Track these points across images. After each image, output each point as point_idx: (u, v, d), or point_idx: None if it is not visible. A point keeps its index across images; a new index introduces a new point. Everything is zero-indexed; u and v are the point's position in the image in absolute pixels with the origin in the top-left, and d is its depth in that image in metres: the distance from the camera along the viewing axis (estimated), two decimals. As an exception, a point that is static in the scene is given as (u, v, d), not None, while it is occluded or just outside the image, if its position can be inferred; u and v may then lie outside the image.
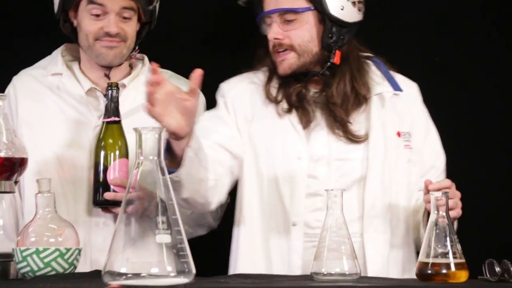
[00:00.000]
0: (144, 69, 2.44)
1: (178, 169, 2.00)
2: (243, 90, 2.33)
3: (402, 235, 2.25)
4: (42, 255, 1.94)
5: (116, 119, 2.26)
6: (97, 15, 2.30)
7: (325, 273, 1.85)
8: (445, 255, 1.80)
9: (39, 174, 2.23)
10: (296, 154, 2.25)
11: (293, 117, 2.27)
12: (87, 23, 2.32)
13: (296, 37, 2.22)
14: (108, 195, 2.22)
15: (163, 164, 1.69)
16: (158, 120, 1.91)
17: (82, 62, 2.43)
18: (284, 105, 2.28)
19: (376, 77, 2.31)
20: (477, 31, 2.83)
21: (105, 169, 2.25)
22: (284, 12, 2.21)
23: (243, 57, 2.63)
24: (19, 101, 2.39)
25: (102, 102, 2.36)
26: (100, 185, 2.25)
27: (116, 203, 2.21)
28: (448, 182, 2.06)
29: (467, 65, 2.82)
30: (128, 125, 2.23)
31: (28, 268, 1.95)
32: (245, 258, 2.29)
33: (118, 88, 2.27)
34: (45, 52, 2.52)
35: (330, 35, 2.23)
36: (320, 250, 1.87)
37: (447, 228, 1.81)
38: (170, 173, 1.99)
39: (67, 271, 1.97)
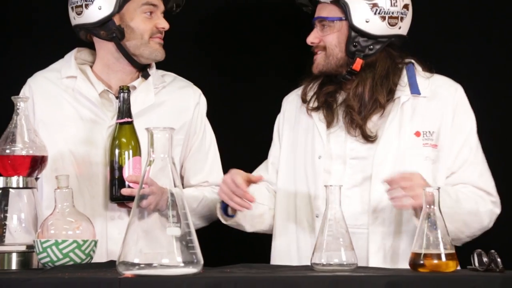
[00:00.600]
0: (152, 72, 2.54)
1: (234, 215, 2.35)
2: (291, 101, 2.57)
3: (408, 229, 2.32)
4: (61, 247, 2.02)
5: (129, 120, 2.35)
6: (151, 13, 2.45)
7: (324, 263, 1.95)
8: (436, 246, 1.88)
9: (56, 171, 2.32)
10: (317, 153, 2.42)
11: (317, 116, 2.46)
12: (141, 22, 2.44)
13: (327, 41, 2.42)
14: (125, 191, 2.32)
15: (174, 160, 1.79)
16: None
17: (97, 65, 2.53)
18: (312, 104, 2.46)
19: (402, 82, 2.42)
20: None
21: (120, 167, 2.33)
22: (322, 19, 2.42)
23: (244, 58, 2.72)
24: (35, 102, 2.47)
25: (115, 103, 2.46)
26: (116, 182, 2.34)
27: (132, 198, 2.29)
28: (407, 174, 2.18)
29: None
30: (139, 124, 2.33)
31: (48, 259, 2.03)
32: (281, 250, 2.45)
33: (129, 91, 2.36)
34: (53, 54, 2.60)
35: (354, 44, 2.39)
36: (320, 242, 1.97)
37: (438, 221, 1.90)
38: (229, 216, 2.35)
39: (84, 261, 2.05)
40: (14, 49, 3.03)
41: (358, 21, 2.38)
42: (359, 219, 2.32)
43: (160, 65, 2.61)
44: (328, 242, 1.96)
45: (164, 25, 2.47)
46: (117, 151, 2.36)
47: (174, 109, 2.53)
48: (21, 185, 2.13)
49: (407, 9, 2.43)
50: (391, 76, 2.42)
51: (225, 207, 2.36)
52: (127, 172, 2.34)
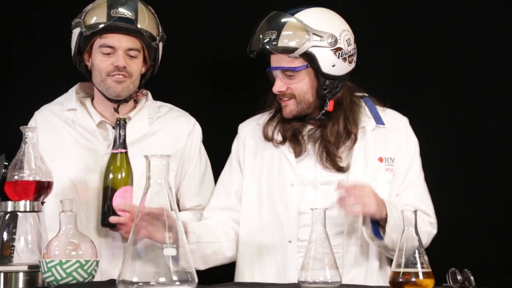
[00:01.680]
0: (148, 103, 2.67)
1: None
2: (250, 130, 2.65)
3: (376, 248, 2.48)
4: (64, 266, 2.09)
5: (122, 150, 2.46)
6: (108, 54, 2.54)
7: (310, 281, 2.05)
8: (414, 265, 1.98)
9: (57, 196, 2.42)
10: (289, 182, 2.52)
11: (286, 148, 2.55)
12: (99, 61, 2.55)
13: (295, 89, 2.50)
14: (112, 219, 2.41)
15: (170, 185, 1.86)
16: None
17: (95, 98, 2.66)
18: (279, 138, 2.55)
19: (364, 114, 2.56)
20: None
21: (111, 195, 2.43)
22: (286, 69, 2.48)
23: (239, 91, 2.82)
24: (39, 133, 2.59)
25: (111, 133, 2.59)
26: (107, 209, 2.44)
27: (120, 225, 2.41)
28: (358, 184, 2.33)
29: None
30: (133, 152, 2.46)
31: (52, 278, 2.10)
32: (246, 272, 2.53)
33: (125, 123, 2.47)
34: (63, 89, 2.74)
35: (324, 88, 2.49)
36: (306, 261, 2.07)
37: (416, 241, 2.00)
38: None
39: (86, 280, 2.12)
40: (23, 84, 3.18)
41: (326, 68, 2.47)
42: (334, 240, 2.38)
43: (160, 96, 2.74)
44: (313, 262, 2.06)
45: (118, 62, 2.53)
46: (109, 179, 2.45)
47: (168, 137, 2.65)
48: (28, 209, 2.21)
49: (355, 43, 2.56)
50: (356, 108, 2.55)
51: None
52: (117, 201, 2.43)
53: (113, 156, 2.48)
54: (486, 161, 3.06)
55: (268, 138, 2.57)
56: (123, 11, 2.53)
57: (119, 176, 2.46)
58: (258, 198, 2.55)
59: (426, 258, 2.01)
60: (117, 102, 2.62)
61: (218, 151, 2.76)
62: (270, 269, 2.49)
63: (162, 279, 1.77)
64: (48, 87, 2.98)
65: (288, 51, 2.45)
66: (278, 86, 2.51)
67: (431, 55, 3.11)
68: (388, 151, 2.54)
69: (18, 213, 2.21)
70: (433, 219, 2.55)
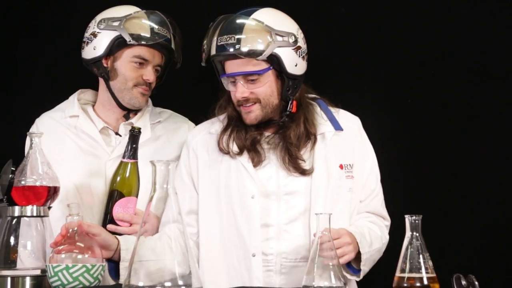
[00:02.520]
0: (148, 109, 2.72)
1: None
2: (201, 139, 2.52)
3: None
4: (71, 271, 2.10)
5: (132, 160, 2.48)
6: (138, 64, 2.59)
7: (315, 286, 2.05)
8: (418, 270, 1.99)
9: (61, 202, 2.44)
10: (249, 193, 2.42)
11: (244, 158, 2.44)
12: (129, 70, 2.59)
13: (260, 93, 2.39)
14: (110, 227, 2.44)
15: (176, 190, 1.87)
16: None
17: (98, 104, 2.69)
18: (235, 148, 2.44)
19: (320, 117, 2.49)
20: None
21: (113, 204, 2.46)
22: (249, 74, 2.37)
23: None
24: (41, 140, 2.56)
25: (113, 139, 2.63)
26: (107, 217, 2.47)
27: (118, 235, 2.41)
28: (335, 234, 2.24)
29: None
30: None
31: (59, 282, 2.11)
32: (211, 281, 2.42)
33: (140, 133, 2.48)
34: (60, 96, 2.77)
35: (288, 89, 2.40)
36: (311, 266, 2.07)
37: (420, 247, 2.01)
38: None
39: (93, 285, 2.13)
40: (27, 89, 3.22)
41: (290, 68, 2.38)
42: (300, 252, 2.38)
43: (159, 102, 2.78)
44: (318, 267, 2.07)
45: (149, 77, 2.60)
46: (114, 187, 2.48)
47: (169, 142, 2.69)
48: (35, 214, 2.23)
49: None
50: (312, 109, 2.49)
51: (113, 268, 2.30)
52: (117, 210, 2.46)
53: (122, 164, 2.50)
54: (493, 166, 3.07)
55: (224, 151, 2.46)
56: (163, 29, 2.62)
57: (125, 185, 2.49)
58: (217, 212, 2.45)
59: (430, 263, 2.01)
60: (128, 110, 2.67)
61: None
62: (236, 283, 2.39)
63: (167, 284, 1.80)
64: (48, 92, 3.04)
65: (255, 54, 2.34)
66: (241, 92, 2.39)
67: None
68: (347, 158, 2.48)
69: (22, 218, 2.23)
70: (388, 222, 2.53)
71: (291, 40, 2.39)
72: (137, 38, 2.58)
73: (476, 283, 2.00)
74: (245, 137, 2.44)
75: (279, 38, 2.37)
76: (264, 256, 2.40)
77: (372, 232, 2.44)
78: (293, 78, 2.41)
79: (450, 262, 2.39)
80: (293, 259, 2.38)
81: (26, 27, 3.24)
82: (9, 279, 2.16)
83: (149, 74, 2.61)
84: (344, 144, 2.49)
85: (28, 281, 2.17)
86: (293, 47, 2.39)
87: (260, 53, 2.35)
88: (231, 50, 2.34)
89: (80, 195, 2.60)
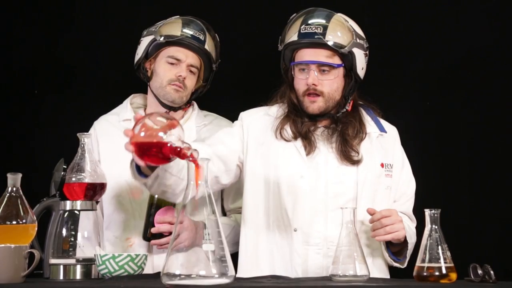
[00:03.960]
0: (194, 113, 2.86)
1: (148, 177, 2.28)
2: (257, 119, 2.61)
3: (379, 247, 2.54)
4: (117, 260, 2.23)
5: None
6: (172, 64, 2.75)
7: (341, 274, 2.18)
8: (437, 260, 2.10)
9: (115, 198, 2.62)
10: (299, 173, 2.51)
11: (298, 143, 2.54)
12: (163, 69, 2.76)
13: (328, 86, 2.52)
14: (154, 230, 2.59)
15: (209, 189, 1.96)
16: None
17: (148, 106, 2.84)
18: (290, 133, 2.55)
19: (367, 120, 2.63)
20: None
21: (155, 212, 2.59)
22: (325, 64, 2.51)
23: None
24: (99, 141, 2.81)
25: None
26: (148, 224, 2.60)
27: (161, 236, 2.57)
28: (387, 212, 2.38)
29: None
30: None
31: (106, 270, 2.24)
32: (251, 259, 2.54)
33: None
34: (118, 100, 2.94)
35: (350, 88, 2.56)
36: (337, 256, 2.20)
37: (439, 238, 2.12)
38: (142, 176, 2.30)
39: (136, 273, 2.25)
40: (81, 93, 3.34)
41: (359, 69, 2.55)
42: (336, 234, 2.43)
43: (204, 105, 2.90)
44: (343, 257, 2.19)
45: (182, 74, 2.74)
46: (155, 197, 2.59)
47: None
48: (84, 208, 2.37)
49: None
50: (361, 111, 2.62)
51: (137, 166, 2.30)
52: (158, 218, 2.59)
53: None
54: (509, 158, 3.11)
55: (279, 133, 2.53)
56: (195, 31, 2.77)
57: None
58: (264, 189, 2.52)
59: (448, 253, 2.12)
60: (170, 109, 2.81)
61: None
62: (277, 257, 2.49)
63: (202, 272, 1.91)
64: (98, 97, 3.20)
65: (338, 46, 2.48)
66: (313, 78, 2.49)
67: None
68: (388, 158, 2.59)
69: (79, 211, 2.36)
70: (415, 224, 2.62)
71: (366, 45, 2.56)
72: (167, 37, 2.75)
73: (492, 272, 2.08)
74: (301, 126, 2.55)
75: (358, 40, 2.53)
76: (309, 237, 2.49)
77: (411, 226, 2.57)
78: (358, 80, 2.56)
79: (468, 253, 2.49)
80: (339, 244, 2.38)
81: (84, 33, 3.37)
82: (61, 267, 2.32)
83: (182, 71, 2.75)
84: (385, 145, 2.61)
85: (78, 268, 2.31)
86: (364, 52, 2.56)
87: (342, 46, 2.49)
88: (316, 37, 2.47)
89: (131, 192, 2.76)
